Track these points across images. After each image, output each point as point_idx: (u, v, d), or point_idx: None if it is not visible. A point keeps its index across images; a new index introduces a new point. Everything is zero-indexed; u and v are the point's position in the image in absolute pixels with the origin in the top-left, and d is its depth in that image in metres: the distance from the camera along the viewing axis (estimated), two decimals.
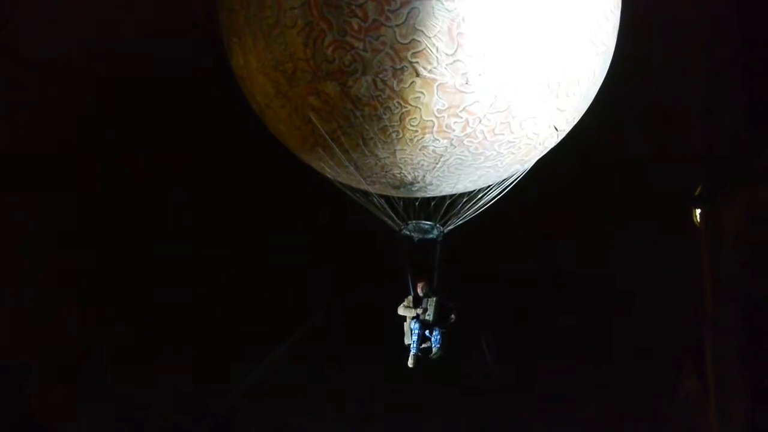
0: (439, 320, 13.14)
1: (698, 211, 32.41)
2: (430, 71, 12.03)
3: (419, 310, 13.11)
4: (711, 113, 32.00)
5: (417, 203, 13.64)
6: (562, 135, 13.83)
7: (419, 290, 13.31)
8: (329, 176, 13.81)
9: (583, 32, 12.58)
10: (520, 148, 13.13)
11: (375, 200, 13.39)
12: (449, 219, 13.59)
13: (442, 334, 13.07)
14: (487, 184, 13.87)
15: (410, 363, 13.03)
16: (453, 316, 13.30)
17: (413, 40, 11.88)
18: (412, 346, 13.03)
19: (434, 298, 13.21)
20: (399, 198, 13.55)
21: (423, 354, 13.04)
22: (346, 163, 12.99)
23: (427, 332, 13.07)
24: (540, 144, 13.36)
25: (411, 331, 13.07)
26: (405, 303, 13.26)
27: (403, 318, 13.26)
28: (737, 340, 31.22)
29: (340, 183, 13.71)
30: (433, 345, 13.03)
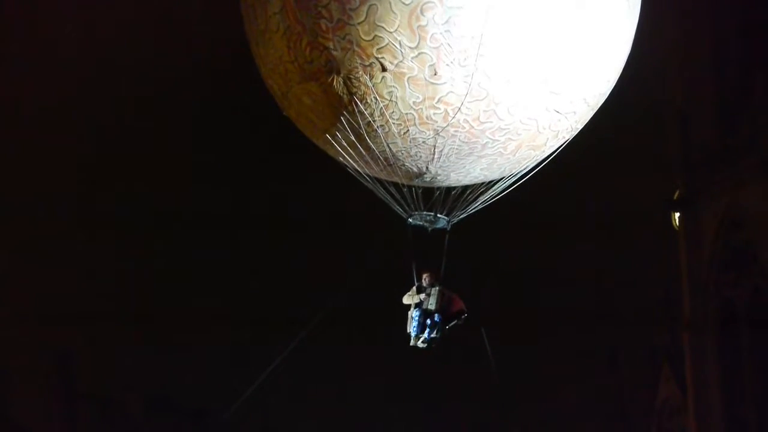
0: (442, 313, 13.22)
1: (677, 214, 30.47)
2: (397, 65, 12.23)
3: (422, 296, 13.25)
4: (688, 121, 30.25)
5: (421, 192, 13.75)
6: (585, 116, 13.49)
7: (424, 281, 13.43)
8: (359, 169, 14.06)
9: (558, 8, 12.29)
10: (518, 134, 12.98)
11: (382, 190, 13.66)
12: (452, 210, 13.63)
13: (441, 323, 13.13)
14: (506, 173, 13.75)
15: (419, 343, 13.18)
16: (460, 320, 13.34)
17: (376, 36, 12.13)
18: (412, 333, 13.21)
19: (437, 288, 13.31)
20: (409, 187, 13.71)
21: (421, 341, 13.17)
22: (349, 159, 13.37)
23: (428, 321, 13.19)
24: (546, 129, 13.12)
25: (411, 319, 13.24)
26: (410, 292, 13.44)
27: (408, 307, 13.45)
28: (715, 342, 29.12)
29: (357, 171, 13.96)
30: (427, 331, 13.08)
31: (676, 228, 30.68)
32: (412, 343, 13.15)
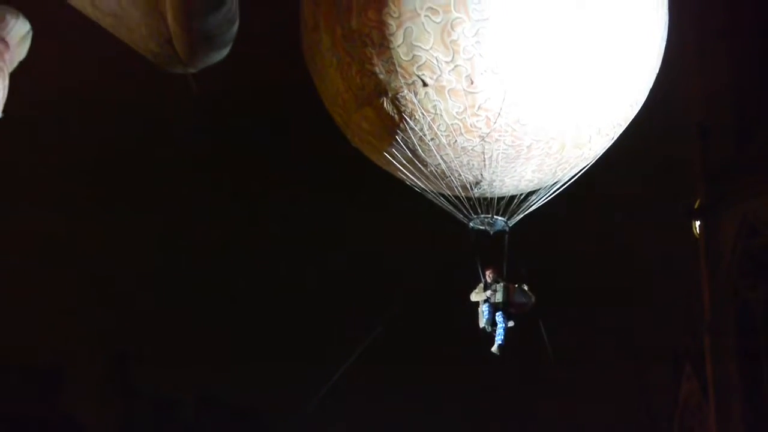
0: (510, 303, 14.11)
1: (697, 223, 30.84)
2: (436, 80, 13.44)
3: (489, 293, 14.16)
4: (707, 133, 30.86)
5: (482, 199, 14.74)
6: (626, 113, 14.38)
7: (488, 277, 14.35)
8: (420, 184, 15.20)
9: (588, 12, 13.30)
10: (561, 131, 13.94)
11: (443, 199, 14.72)
12: (508, 211, 14.59)
13: (506, 322, 14.03)
14: (559, 175, 14.68)
15: (494, 350, 14.10)
16: (531, 301, 14.23)
17: (414, 55, 13.41)
18: (486, 327, 14.10)
19: (502, 283, 14.22)
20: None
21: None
22: (409, 175, 14.54)
23: (497, 315, 14.09)
24: (586, 126, 14.05)
25: (482, 314, 14.15)
26: (476, 290, 14.36)
27: (476, 304, 14.38)
28: (735, 343, 29.36)
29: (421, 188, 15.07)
30: (496, 340, 14.01)
31: (697, 236, 32.19)
32: (489, 329, 14.04)
